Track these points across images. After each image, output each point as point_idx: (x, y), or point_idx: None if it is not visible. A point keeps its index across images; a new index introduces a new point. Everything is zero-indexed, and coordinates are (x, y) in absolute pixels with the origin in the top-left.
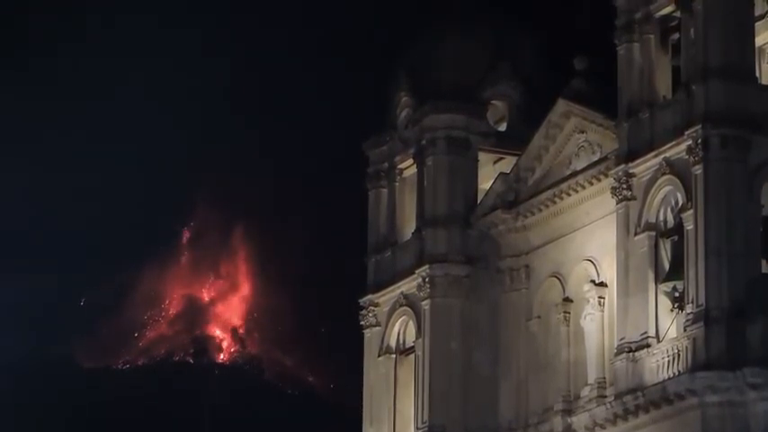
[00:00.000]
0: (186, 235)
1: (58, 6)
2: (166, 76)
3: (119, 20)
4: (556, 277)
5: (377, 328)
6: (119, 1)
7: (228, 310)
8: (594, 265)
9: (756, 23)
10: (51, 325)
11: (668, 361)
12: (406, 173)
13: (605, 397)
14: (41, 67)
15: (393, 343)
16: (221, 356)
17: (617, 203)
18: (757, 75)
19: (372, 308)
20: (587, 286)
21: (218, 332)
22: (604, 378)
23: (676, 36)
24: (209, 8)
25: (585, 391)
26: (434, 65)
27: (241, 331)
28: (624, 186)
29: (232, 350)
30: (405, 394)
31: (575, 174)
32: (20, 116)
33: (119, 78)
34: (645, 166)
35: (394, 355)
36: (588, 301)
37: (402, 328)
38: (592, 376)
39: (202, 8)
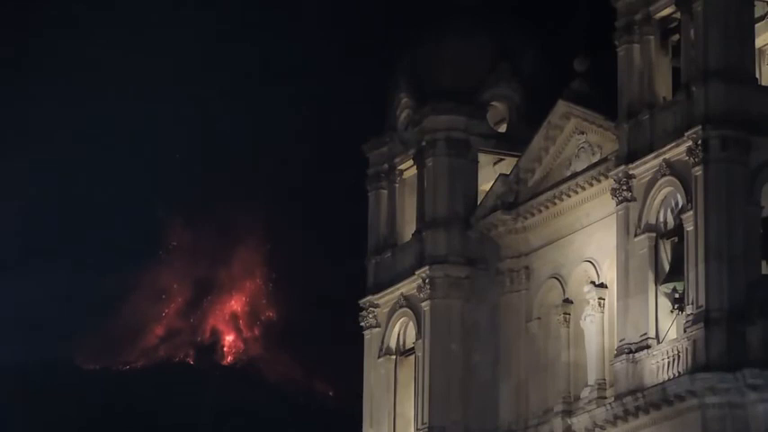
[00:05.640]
0: (187, 236)
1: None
2: (165, 76)
3: (115, 15)
4: (556, 278)
5: (377, 329)
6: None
7: (228, 311)
8: (594, 266)
9: (756, 25)
10: (51, 325)
11: (668, 362)
12: (406, 174)
13: (605, 398)
14: (40, 66)
15: (393, 344)
16: (221, 358)
17: (617, 205)
18: (757, 76)
19: (372, 309)
20: (587, 287)
21: (218, 332)
22: (604, 379)
23: (676, 37)
24: (209, 9)
25: (585, 393)
26: (434, 66)
27: (243, 331)
28: (624, 188)
29: (233, 351)
30: (405, 395)
31: (575, 175)
32: (16, 113)
33: (118, 75)
34: (645, 168)
35: (394, 357)
36: (588, 303)
37: (402, 330)
38: (592, 377)
39: (202, 9)
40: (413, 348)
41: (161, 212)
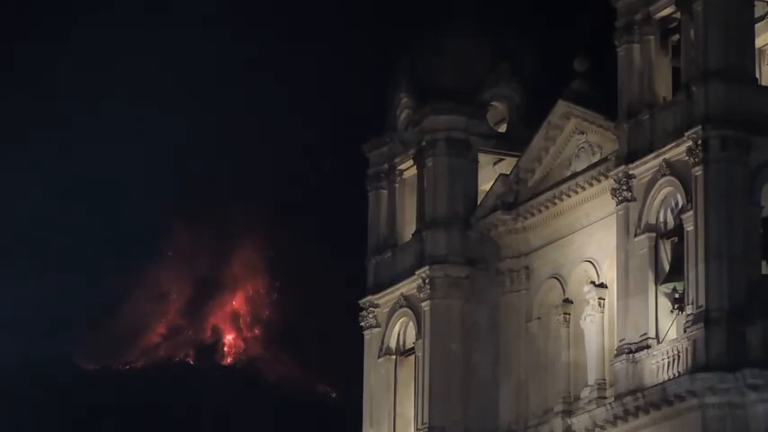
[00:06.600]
0: (187, 236)
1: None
2: (166, 77)
3: (116, 16)
4: (556, 278)
5: (377, 329)
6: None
7: (229, 310)
8: (594, 266)
9: (756, 25)
10: (51, 325)
11: (668, 362)
12: (407, 174)
13: (605, 398)
14: (42, 65)
15: (393, 344)
16: (222, 358)
17: (617, 205)
18: (757, 76)
19: (372, 309)
20: (587, 287)
21: (219, 331)
22: (604, 379)
23: (676, 37)
24: (207, 8)
25: (585, 393)
26: (434, 66)
27: (243, 330)
28: (624, 188)
29: (233, 352)
30: (405, 395)
31: (575, 175)
32: (18, 115)
33: (118, 75)
34: (645, 168)
35: (394, 357)
36: (588, 303)
37: (402, 330)
38: (592, 377)
39: (201, 8)
40: (413, 348)
41: (161, 212)
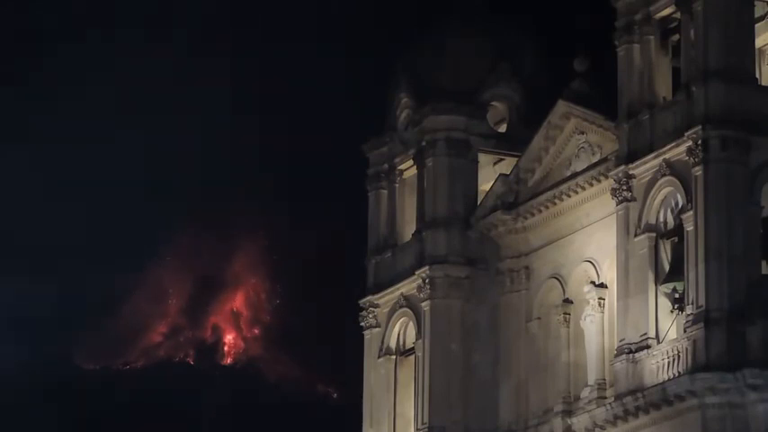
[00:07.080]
0: (187, 235)
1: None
2: (166, 78)
3: (117, 19)
4: (556, 278)
5: (377, 329)
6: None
7: (229, 309)
8: (594, 266)
9: (756, 25)
10: (51, 325)
11: (668, 362)
12: (407, 174)
13: (605, 398)
14: (45, 66)
15: (393, 344)
16: (222, 358)
17: (617, 205)
18: (757, 76)
19: (372, 309)
20: (587, 287)
21: (219, 330)
22: (604, 379)
23: (676, 37)
24: (208, 9)
25: (585, 393)
26: (434, 66)
27: (244, 329)
28: (624, 187)
29: (233, 352)
30: (405, 395)
31: (575, 175)
32: (20, 115)
33: (119, 76)
34: (645, 168)
35: (394, 357)
36: (588, 303)
37: (402, 330)
38: (592, 377)
39: (202, 10)
40: (413, 348)
41: (161, 212)
